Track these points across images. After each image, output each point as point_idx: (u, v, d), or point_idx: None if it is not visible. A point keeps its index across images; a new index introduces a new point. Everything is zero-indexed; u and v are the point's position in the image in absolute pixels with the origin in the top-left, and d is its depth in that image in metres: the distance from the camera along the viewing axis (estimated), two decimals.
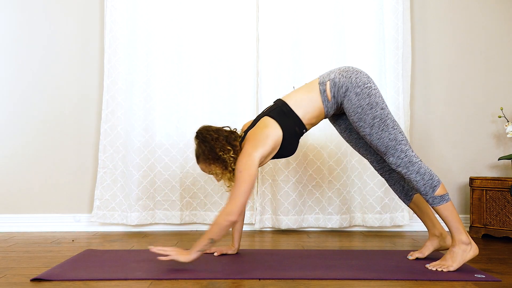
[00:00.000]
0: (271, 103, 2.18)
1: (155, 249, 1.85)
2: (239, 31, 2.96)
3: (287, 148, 2.02)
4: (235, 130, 2.08)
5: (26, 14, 3.02)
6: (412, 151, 1.94)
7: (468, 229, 2.92)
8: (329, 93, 1.98)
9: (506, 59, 3.08)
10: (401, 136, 1.93)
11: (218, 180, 2.06)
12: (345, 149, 2.92)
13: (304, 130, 2.04)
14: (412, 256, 2.11)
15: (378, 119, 1.92)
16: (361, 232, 2.96)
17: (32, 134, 2.99)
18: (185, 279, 1.78)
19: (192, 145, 2.94)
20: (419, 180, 1.91)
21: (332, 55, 2.94)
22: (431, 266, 1.93)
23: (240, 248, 2.41)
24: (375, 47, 2.94)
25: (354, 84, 1.94)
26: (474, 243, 1.91)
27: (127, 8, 2.94)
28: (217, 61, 2.96)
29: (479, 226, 2.77)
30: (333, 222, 2.91)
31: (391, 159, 1.94)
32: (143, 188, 2.90)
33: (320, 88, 2.00)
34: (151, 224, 2.95)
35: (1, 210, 2.96)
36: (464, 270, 1.89)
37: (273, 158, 2.06)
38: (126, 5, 2.94)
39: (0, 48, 3.01)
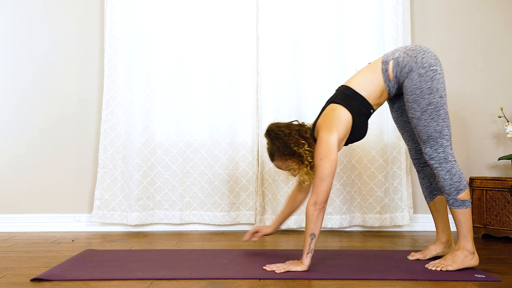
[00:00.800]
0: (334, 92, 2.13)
1: (268, 268, 1.87)
2: (239, 31, 2.96)
3: (357, 130, 1.97)
4: (303, 123, 2.05)
5: (26, 14, 3.02)
6: (451, 149, 1.91)
7: None
8: (391, 73, 1.93)
9: (506, 59, 3.08)
10: (447, 131, 1.90)
11: (295, 176, 2.04)
12: (345, 149, 2.92)
13: (371, 110, 1.98)
14: (413, 256, 2.11)
15: (432, 107, 1.87)
16: (361, 232, 2.96)
17: (32, 134, 2.99)
18: (185, 279, 1.78)
19: (192, 145, 2.95)
20: (447, 179, 1.89)
21: (332, 55, 2.94)
22: (431, 265, 1.93)
23: (240, 248, 2.41)
24: (375, 47, 2.94)
25: (419, 64, 1.87)
26: (477, 254, 1.92)
27: (127, 8, 2.94)
28: (217, 61, 2.96)
29: (479, 226, 2.77)
30: (333, 222, 2.91)
31: (428, 149, 1.91)
32: (143, 188, 2.90)
33: (382, 67, 1.95)
34: (151, 224, 2.95)
35: (1, 210, 2.96)
36: (464, 270, 1.89)
37: (346, 144, 2.02)
38: (126, 5, 2.94)
39: (0, 48, 3.01)
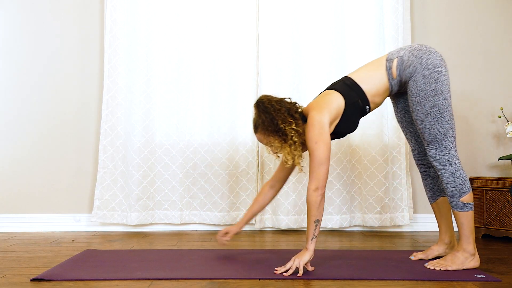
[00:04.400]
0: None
1: (279, 271, 1.83)
2: (239, 31, 2.96)
3: (348, 120, 1.94)
4: (295, 102, 1.99)
5: (26, 15, 3.02)
6: (456, 151, 1.90)
7: None
8: (394, 71, 1.92)
9: (506, 59, 3.08)
10: (451, 133, 1.88)
11: (275, 153, 1.96)
12: (345, 149, 2.92)
13: (367, 107, 1.96)
14: (415, 256, 2.11)
15: (436, 109, 1.85)
16: (361, 232, 2.96)
17: (32, 134, 2.99)
18: (185, 279, 1.78)
19: (192, 145, 2.95)
20: (450, 181, 1.89)
21: (332, 55, 2.94)
22: (430, 265, 1.94)
23: (240, 248, 2.41)
24: (375, 47, 2.94)
25: (424, 66, 1.85)
26: (478, 256, 1.92)
27: (127, 8, 2.94)
28: (217, 61, 2.96)
29: (479, 226, 2.77)
30: (333, 222, 2.91)
31: (432, 151, 1.90)
32: (143, 188, 2.90)
33: (386, 65, 1.93)
34: (151, 224, 2.95)
35: (1, 210, 2.96)
36: (464, 270, 1.89)
37: (335, 137, 1.98)
38: (126, 5, 2.94)
39: (1, 48, 3.01)
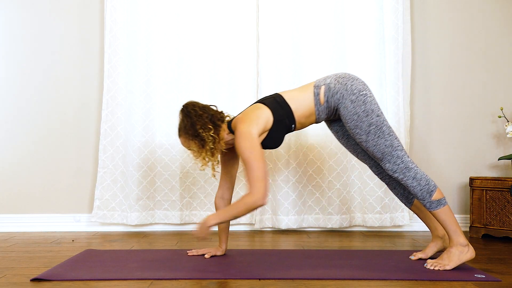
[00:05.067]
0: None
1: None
2: (239, 31, 2.96)
3: (273, 136, 2.00)
4: (222, 112, 2.06)
5: (26, 15, 3.02)
6: (408, 156, 1.96)
7: (468, 229, 2.92)
8: (322, 97, 1.99)
9: (506, 59, 3.08)
10: (397, 142, 1.94)
11: (195, 158, 2.01)
12: (345, 149, 2.92)
13: (293, 126, 2.03)
14: (415, 256, 2.11)
15: (374, 126, 1.93)
16: (361, 232, 2.96)
17: (32, 134, 2.99)
18: (185, 279, 1.78)
19: None
20: (415, 186, 1.92)
21: (332, 55, 2.94)
22: (429, 264, 1.94)
23: (240, 248, 2.41)
24: (375, 47, 2.94)
25: (349, 91, 1.94)
26: (471, 246, 1.92)
27: (127, 8, 2.94)
28: (217, 61, 2.96)
29: (479, 226, 2.77)
30: (333, 222, 2.91)
31: (387, 165, 1.95)
32: (143, 188, 2.90)
33: (314, 91, 2.01)
34: (151, 224, 2.95)
35: (1, 210, 2.96)
36: (464, 270, 1.89)
37: (263, 145, 2.02)
38: (126, 5, 2.94)
39: (0, 48, 3.01)
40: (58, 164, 2.99)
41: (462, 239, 1.90)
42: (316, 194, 2.92)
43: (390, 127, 1.96)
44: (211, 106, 2.05)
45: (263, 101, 2.03)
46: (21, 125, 2.99)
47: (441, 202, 1.91)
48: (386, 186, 2.87)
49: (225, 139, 2.03)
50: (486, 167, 3.05)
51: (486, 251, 2.38)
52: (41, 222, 2.95)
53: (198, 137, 1.95)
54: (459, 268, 1.91)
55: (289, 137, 2.91)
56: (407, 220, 2.91)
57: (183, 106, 2.01)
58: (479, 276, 1.81)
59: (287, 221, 2.88)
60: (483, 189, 2.76)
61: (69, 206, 2.98)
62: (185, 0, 2.96)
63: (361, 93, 1.94)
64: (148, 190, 2.91)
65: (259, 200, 1.81)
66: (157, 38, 2.94)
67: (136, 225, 2.93)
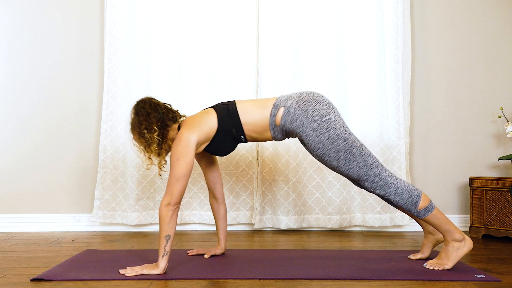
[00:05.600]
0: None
1: (122, 271, 1.82)
2: (239, 31, 2.96)
3: (219, 144, 1.97)
4: (177, 111, 2.03)
5: (26, 14, 3.02)
6: (386, 170, 1.89)
7: (468, 229, 2.92)
8: (278, 120, 1.91)
9: (506, 59, 3.08)
10: (371, 160, 1.87)
11: (143, 154, 2.00)
12: None
13: (242, 137, 1.97)
14: (414, 256, 2.11)
15: (342, 152, 1.85)
16: (361, 232, 2.96)
17: (32, 134, 2.99)
18: (185, 279, 1.77)
19: None
20: (399, 200, 1.88)
21: (332, 55, 2.94)
22: (428, 265, 1.93)
23: (240, 248, 2.41)
24: (375, 47, 2.94)
25: (310, 119, 1.85)
26: (468, 237, 1.90)
27: (127, 8, 2.94)
28: (217, 61, 2.96)
29: (479, 226, 2.77)
30: (333, 222, 2.91)
31: (366, 184, 1.90)
32: (143, 188, 2.90)
33: (272, 110, 1.92)
34: (151, 224, 2.95)
35: (1, 210, 2.96)
36: (464, 270, 1.89)
37: (209, 151, 2.02)
38: (126, 5, 2.94)
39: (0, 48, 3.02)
40: (58, 164, 2.99)
41: (457, 235, 1.89)
42: (316, 194, 2.92)
43: (361, 145, 1.88)
44: (166, 104, 2.02)
45: (215, 106, 2.01)
46: (21, 125, 2.99)
47: (428, 209, 1.88)
48: None
49: (174, 139, 1.99)
50: (486, 167, 3.05)
51: (486, 251, 2.38)
52: (41, 222, 2.95)
53: (143, 137, 1.93)
54: (459, 268, 1.91)
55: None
56: (407, 220, 2.91)
57: (136, 102, 1.99)
58: (479, 276, 1.81)
59: (287, 221, 2.88)
60: (483, 189, 2.76)
61: (69, 206, 2.98)
62: (185, 0, 2.96)
63: (324, 119, 1.85)
64: (148, 190, 2.91)
65: (160, 209, 1.82)
66: (157, 38, 2.94)
67: (136, 225, 2.93)
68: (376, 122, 2.93)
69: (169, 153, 1.99)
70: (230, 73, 2.96)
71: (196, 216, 2.94)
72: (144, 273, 1.81)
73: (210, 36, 2.96)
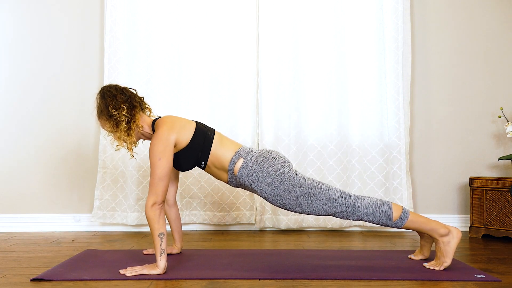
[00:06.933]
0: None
1: (122, 271, 1.83)
2: (239, 31, 2.96)
3: (182, 157, 1.97)
4: (142, 98, 2.07)
5: (26, 14, 3.02)
6: (350, 196, 1.88)
7: (468, 229, 2.92)
8: (236, 169, 1.93)
9: (506, 59, 3.08)
10: (332, 193, 1.87)
11: (112, 141, 2.02)
12: (345, 149, 2.92)
13: (203, 163, 1.99)
14: (416, 257, 2.11)
15: (302, 197, 1.86)
16: (361, 232, 2.96)
17: (33, 134, 2.99)
18: (185, 279, 1.78)
19: None
20: (372, 219, 1.89)
21: (332, 54, 2.94)
22: (428, 266, 1.94)
23: (240, 248, 2.41)
24: (375, 47, 2.94)
25: (265, 174, 1.88)
26: (453, 228, 1.90)
27: (127, 8, 2.94)
28: (217, 61, 2.96)
29: (479, 226, 2.77)
30: (333, 222, 2.91)
31: (336, 215, 1.90)
32: (143, 188, 2.90)
33: (233, 158, 1.95)
34: None
35: (1, 210, 2.96)
36: (464, 270, 1.89)
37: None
38: (126, 5, 2.94)
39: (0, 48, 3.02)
40: (58, 164, 2.99)
41: (441, 230, 1.89)
42: None
43: (318, 183, 1.89)
44: (131, 89, 2.03)
45: (197, 123, 2.02)
46: (21, 125, 2.99)
47: (403, 217, 1.88)
48: (385, 186, 2.88)
49: (143, 129, 2.00)
50: (486, 167, 3.05)
51: (486, 251, 2.38)
52: (41, 222, 2.95)
53: (112, 117, 1.93)
54: (459, 268, 1.91)
55: (289, 137, 2.92)
56: None
57: (100, 88, 2.01)
58: (479, 276, 1.81)
59: (287, 221, 2.88)
60: (483, 189, 2.76)
61: (69, 206, 2.98)
62: (185, 0, 2.96)
63: (278, 172, 1.87)
64: (148, 190, 2.91)
65: (146, 210, 1.83)
66: (157, 38, 2.94)
67: (136, 225, 2.93)
68: (376, 122, 2.93)
69: (140, 141, 2.00)
70: (230, 73, 2.96)
71: (196, 216, 2.95)
72: (144, 273, 1.81)
73: (210, 36, 2.96)
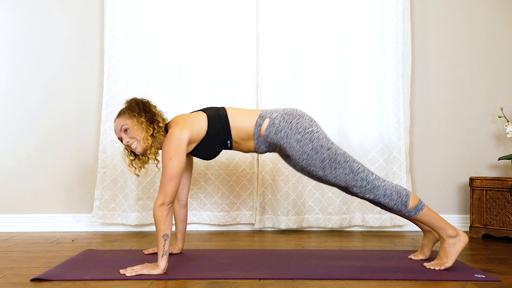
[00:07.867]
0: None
1: (122, 271, 1.82)
2: (239, 31, 2.96)
3: (205, 147, 1.98)
4: (162, 112, 2.10)
5: (26, 14, 3.02)
6: (372, 174, 1.90)
7: (468, 229, 2.92)
8: (263, 130, 1.94)
9: (506, 59, 3.08)
10: (356, 166, 1.89)
11: (130, 139, 1.96)
12: (345, 149, 2.92)
13: (228, 142, 1.98)
14: (416, 257, 2.11)
15: (327, 160, 1.87)
16: (361, 232, 2.96)
17: (32, 134, 2.99)
18: (185, 279, 1.78)
19: None
20: (388, 202, 1.89)
21: (332, 54, 2.94)
22: (429, 266, 1.93)
23: (240, 248, 2.41)
24: (375, 47, 2.94)
25: (294, 130, 1.89)
26: (461, 232, 1.91)
27: (127, 8, 2.94)
28: (217, 61, 2.96)
29: (479, 226, 2.77)
30: (333, 222, 2.91)
31: (354, 189, 1.90)
32: (143, 188, 2.90)
33: (257, 120, 1.95)
34: (151, 224, 2.95)
35: (1, 210, 2.96)
36: (464, 270, 1.89)
37: (195, 154, 2.03)
38: (126, 5, 2.94)
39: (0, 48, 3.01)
40: (58, 164, 2.99)
41: (450, 231, 1.89)
42: (316, 194, 2.92)
43: (344, 153, 1.90)
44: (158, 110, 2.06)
45: (205, 110, 2.02)
46: (21, 125, 2.99)
47: (418, 208, 1.89)
48: None
49: (160, 140, 2.00)
50: (486, 167, 3.05)
51: (486, 251, 2.38)
52: (41, 222, 2.95)
53: (149, 113, 1.96)
54: (459, 268, 1.91)
55: None
56: (406, 220, 2.90)
57: (132, 98, 2.03)
58: (479, 276, 1.81)
59: (287, 221, 2.88)
60: (483, 189, 2.76)
61: (69, 206, 2.98)
62: (185, 0, 2.96)
63: (307, 130, 1.89)
64: (148, 190, 2.91)
65: (154, 209, 1.83)
66: (157, 38, 2.94)
67: (136, 225, 2.93)
68: (376, 122, 2.93)
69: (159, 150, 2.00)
70: (230, 73, 2.96)
71: (196, 216, 2.94)
72: (144, 273, 1.81)
73: (210, 36, 2.96)
